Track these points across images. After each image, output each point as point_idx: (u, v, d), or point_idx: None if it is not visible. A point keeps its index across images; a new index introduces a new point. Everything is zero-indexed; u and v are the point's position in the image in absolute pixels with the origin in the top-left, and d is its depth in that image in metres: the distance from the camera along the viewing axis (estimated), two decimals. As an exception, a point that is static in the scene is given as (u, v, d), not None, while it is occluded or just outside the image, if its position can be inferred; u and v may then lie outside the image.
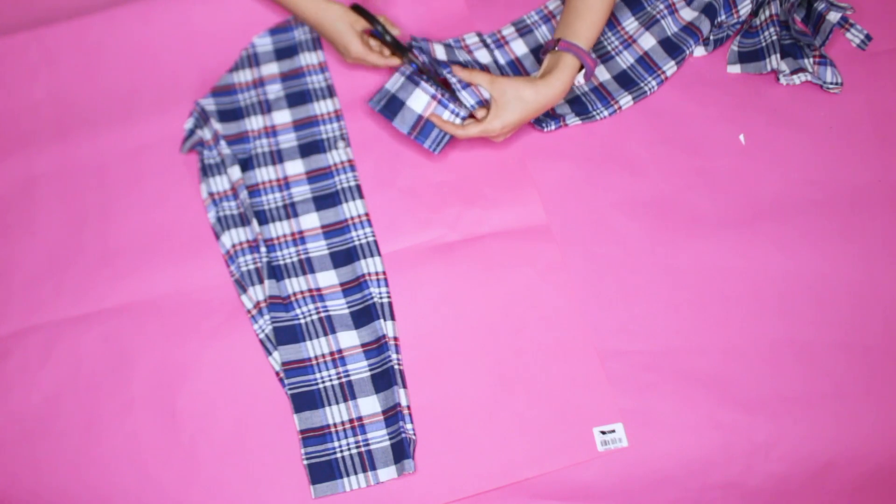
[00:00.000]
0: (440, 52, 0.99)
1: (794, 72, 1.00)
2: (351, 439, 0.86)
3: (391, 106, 0.95)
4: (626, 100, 1.00)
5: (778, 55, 0.99)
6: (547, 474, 0.84)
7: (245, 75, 1.04)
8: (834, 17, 1.03)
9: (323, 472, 0.84)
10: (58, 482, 0.86)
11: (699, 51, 1.03)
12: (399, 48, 0.97)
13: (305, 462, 0.85)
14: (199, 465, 0.86)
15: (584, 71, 0.94)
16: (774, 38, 1.00)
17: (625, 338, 0.89)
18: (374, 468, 0.84)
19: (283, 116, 1.02)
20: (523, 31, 1.06)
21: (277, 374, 0.89)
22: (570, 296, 0.91)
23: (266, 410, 0.88)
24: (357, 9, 0.98)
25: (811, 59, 1.00)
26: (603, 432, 0.85)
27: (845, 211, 0.94)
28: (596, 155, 0.98)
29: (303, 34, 1.06)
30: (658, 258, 0.92)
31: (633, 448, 0.85)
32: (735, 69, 1.03)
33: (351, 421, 0.87)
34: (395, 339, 0.89)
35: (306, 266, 0.94)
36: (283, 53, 1.05)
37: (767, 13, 1.01)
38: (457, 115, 0.94)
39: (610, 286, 0.91)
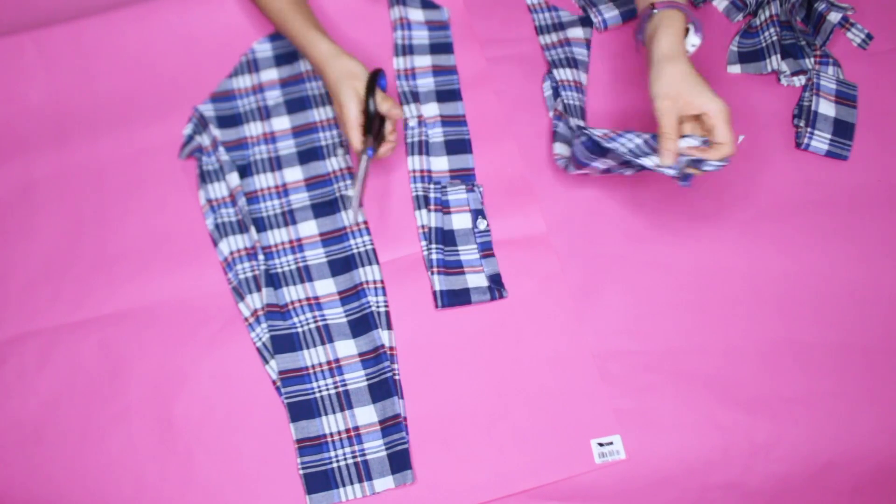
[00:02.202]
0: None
1: (794, 73, 1.00)
2: (347, 449, 0.85)
3: (458, 297, 0.91)
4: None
5: (778, 56, 0.99)
6: (546, 477, 0.85)
7: (244, 81, 1.04)
8: (835, 17, 1.03)
9: (319, 482, 0.84)
10: (54, 488, 0.86)
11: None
12: (369, 130, 0.88)
13: (301, 472, 0.84)
14: (194, 473, 0.86)
15: (692, 29, 0.86)
16: (775, 38, 0.99)
17: (625, 338, 0.89)
18: (370, 478, 0.84)
19: (282, 123, 1.02)
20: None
21: (274, 382, 0.89)
22: (568, 306, 0.91)
23: (262, 419, 0.87)
24: (373, 75, 0.88)
25: (812, 60, 1.00)
26: (601, 444, 0.85)
27: (845, 211, 0.94)
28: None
29: (302, 40, 1.05)
30: (658, 258, 0.92)
31: (632, 448, 0.85)
32: (735, 69, 1.03)
33: (347, 431, 0.86)
34: (392, 348, 0.89)
35: (304, 274, 0.94)
36: (282, 59, 1.05)
37: (767, 13, 1.01)
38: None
39: (610, 287, 0.92)
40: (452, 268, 0.93)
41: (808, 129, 0.96)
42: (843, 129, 0.97)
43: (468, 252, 0.93)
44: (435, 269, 0.92)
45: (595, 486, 0.84)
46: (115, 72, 1.05)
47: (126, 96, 1.04)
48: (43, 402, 0.89)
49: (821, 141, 0.96)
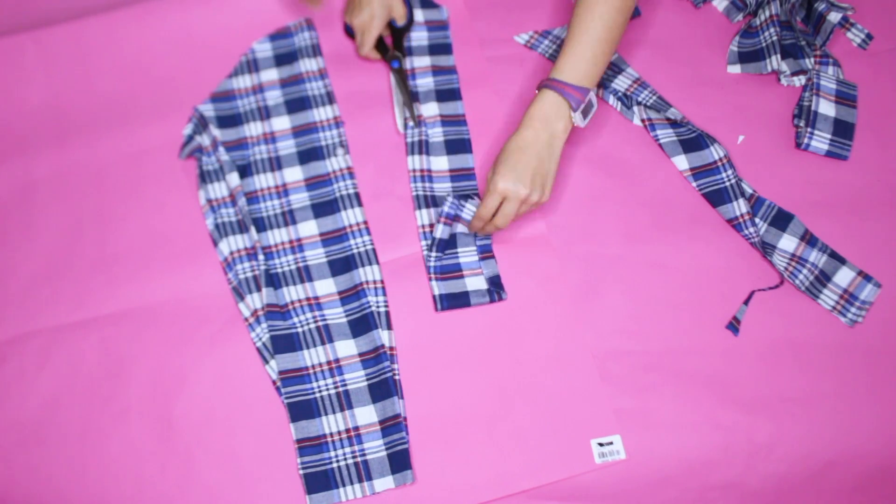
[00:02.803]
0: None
1: (794, 73, 1.00)
2: (347, 449, 0.86)
3: (458, 300, 0.91)
4: None
5: (778, 56, 0.99)
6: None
7: (244, 81, 1.04)
8: (835, 17, 1.03)
9: (319, 482, 0.84)
10: (55, 488, 0.86)
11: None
12: (383, 49, 1.02)
13: (301, 472, 0.84)
14: (194, 473, 0.86)
15: (579, 111, 0.85)
16: (775, 38, 0.99)
17: (625, 338, 0.89)
18: (370, 478, 0.84)
19: (282, 123, 1.02)
20: None
21: (274, 382, 0.89)
22: (568, 306, 0.91)
23: (262, 419, 0.87)
24: None
25: (812, 60, 1.00)
26: (601, 444, 0.85)
27: (845, 211, 0.94)
28: (595, 155, 0.98)
29: (303, 40, 1.05)
30: (658, 258, 0.92)
31: (632, 448, 0.85)
32: (735, 69, 1.03)
33: (347, 431, 0.86)
34: (392, 348, 0.89)
35: (304, 274, 0.94)
36: (282, 59, 1.05)
37: (767, 13, 1.01)
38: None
39: (610, 287, 0.91)
40: (451, 272, 0.93)
41: (808, 129, 0.96)
42: (843, 129, 0.97)
43: (467, 254, 0.93)
44: (433, 276, 0.92)
45: (595, 486, 0.84)
46: (115, 72, 1.05)
47: (126, 96, 1.04)
48: (43, 402, 0.89)
49: (821, 141, 0.96)
